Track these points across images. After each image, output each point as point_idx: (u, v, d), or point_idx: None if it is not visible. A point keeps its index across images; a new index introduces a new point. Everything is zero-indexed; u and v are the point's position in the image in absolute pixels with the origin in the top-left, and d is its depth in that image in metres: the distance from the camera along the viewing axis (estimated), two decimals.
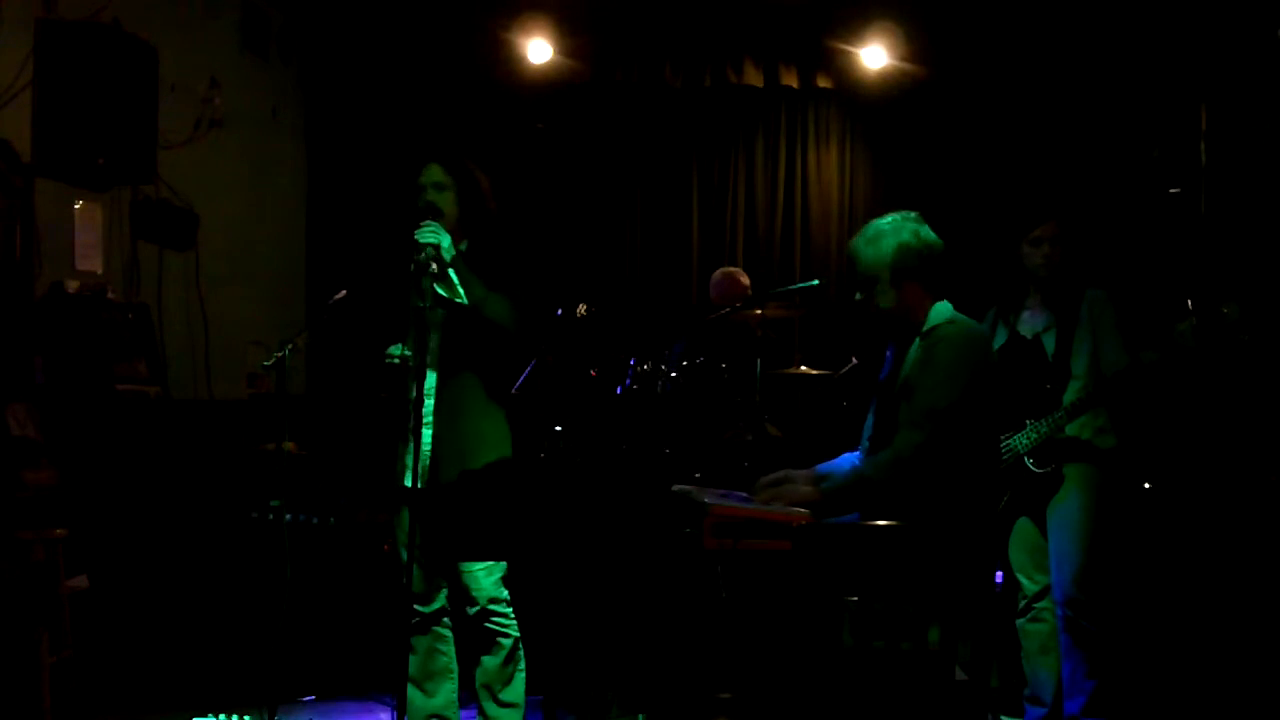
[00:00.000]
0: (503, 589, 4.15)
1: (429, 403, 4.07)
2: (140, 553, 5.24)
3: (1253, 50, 5.77)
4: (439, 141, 4.30)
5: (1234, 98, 5.94)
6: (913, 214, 3.57)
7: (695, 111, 7.38)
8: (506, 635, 4.14)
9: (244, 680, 4.89)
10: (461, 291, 3.97)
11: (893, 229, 3.50)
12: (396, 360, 4.12)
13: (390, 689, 4.88)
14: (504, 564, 4.15)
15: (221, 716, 3.63)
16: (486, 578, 4.09)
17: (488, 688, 4.15)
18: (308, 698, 5.07)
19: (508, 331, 4.04)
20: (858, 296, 3.55)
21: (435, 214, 4.04)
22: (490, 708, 4.15)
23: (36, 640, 4.44)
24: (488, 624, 4.11)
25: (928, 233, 3.51)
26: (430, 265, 3.87)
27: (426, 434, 4.06)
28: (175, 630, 5.30)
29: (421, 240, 3.91)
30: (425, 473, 4.03)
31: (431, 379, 4.09)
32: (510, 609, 4.17)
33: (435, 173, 4.14)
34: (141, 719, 4.85)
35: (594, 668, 4.28)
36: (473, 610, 4.10)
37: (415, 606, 4.11)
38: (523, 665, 4.18)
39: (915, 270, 3.47)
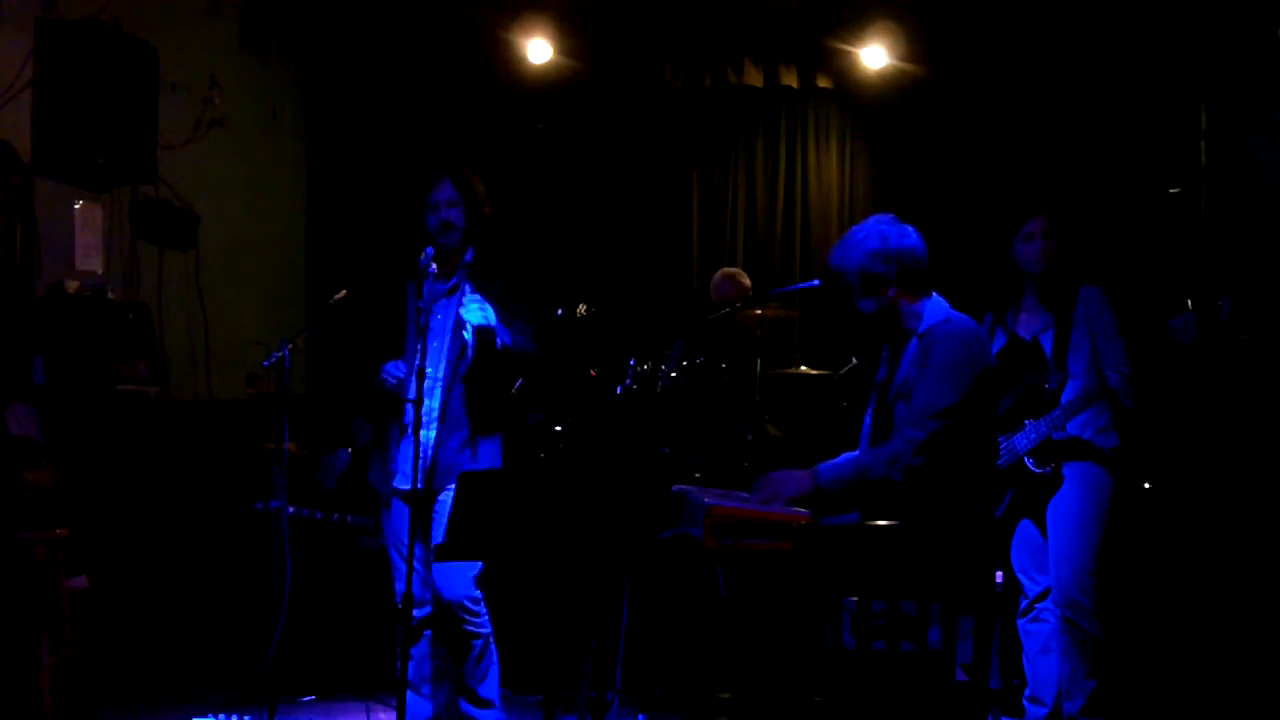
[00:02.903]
0: (475, 588, 4.16)
1: (434, 408, 4.10)
2: (140, 553, 5.24)
3: (1252, 50, 5.77)
4: (441, 151, 4.39)
5: (1234, 98, 5.94)
6: (888, 216, 3.57)
7: (695, 111, 7.38)
8: (478, 634, 4.16)
9: (244, 680, 4.90)
10: (496, 341, 4.09)
11: (863, 236, 3.51)
12: (393, 383, 4.14)
13: (391, 689, 4.89)
14: (479, 563, 4.18)
15: (221, 716, 3.64)
16: (460, 576, 4.11)
17: (462, 685, 4.17)
18: (307, 698, 5.07)
19: (530, 356, 4.19)
20: (845, 304, 3.57)
21: (451, 231, 4.17)
22: (467, 705, 4.17)
23: (36, 640, 4.44)
24: (460, 621, 4.13)
25: (901, 234, 3.50)
26: (483, 338, 4.04)
27: (430, 436, 4.09)
28: (175, 630, 5.30)
29: (471, 321, 4.04)
30: (423, 476, 4.06)
31: (438, 393, 4.13)
32: (482, 606, 4.19)
33: (447, 190, 4.23)
34: (141, 719, 4.85)
35: (594, 668, 4.28)
36: (443, 606, 4.12)
37: (409, 612, 4.11)
38: (495, 661, 4.21)
39: (891, 273, 3.47)
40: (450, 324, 4.21)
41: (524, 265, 4.32)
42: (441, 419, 4.15)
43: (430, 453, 4.12)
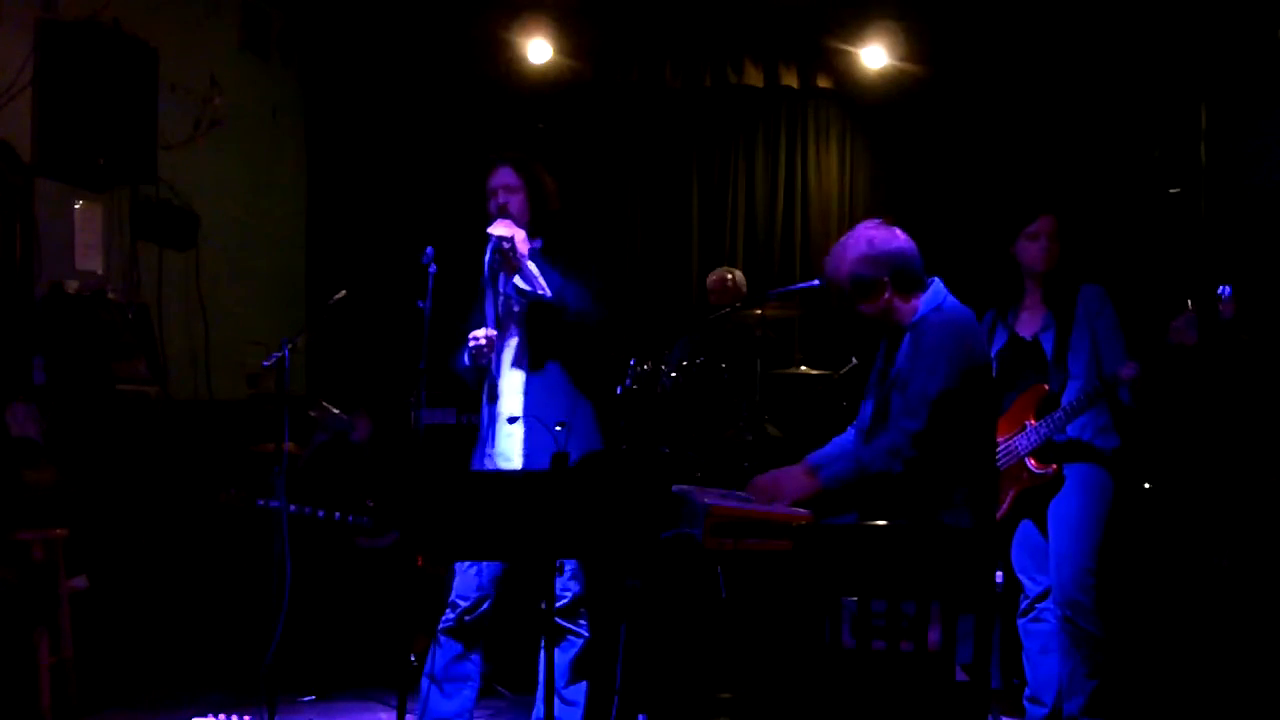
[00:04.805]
0: (579, 588, 4.15)
1: (517, 399, 4.13)
2: (140, 553, 5.25)
3: (1252, 50, 5.77)
4: (505, 143, 4.40)
5: (1234, 98, 5.93)
6: (874, 221, 3.60)
7: (695, 111, 7.38)
8: (579, 634, 4.14)
9: (244, 680, 4.89)
10: (543, 282, 4.03)
11: (853, 242, 3.54)
12: (483, 342, 4.13)
13: (391, 688, 4.89)
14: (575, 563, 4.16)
15: (222, 716, 3.63)
16: (572, 577, 4.10)
17: (553, 684, 4.10)
18: (308, 697, 5.07)
19: (588, 321, 4.13)
20: (844, 309, 3.58)
21: (505, 215, 4.14)
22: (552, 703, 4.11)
23: (35, 640, 4.44)
24: (565, 621, 4.10)
25: (889, 237, 3.52)
26: (506, 257, 4.00)
27: (519, 431, 4.11)
28: (175, 630, 5.30)
29: (496, 234, 4.02)
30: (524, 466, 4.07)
31: (519, 376, 4.12)
32: (582, 608, 4.17)
33: (506, 175, 4.22)
34: (141, 718, 4.84)
35: (596, 668, 4.28)
36: (554, 606, 4.07)
37: (459, 613, 4.09)
38: (587, 667, 4.18)
39: (884, 276, 3.49)
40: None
41: (595, 258, 4.33)
42: (529, 410, 4.17)
43: (523, 448, 4.17)
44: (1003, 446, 4.28)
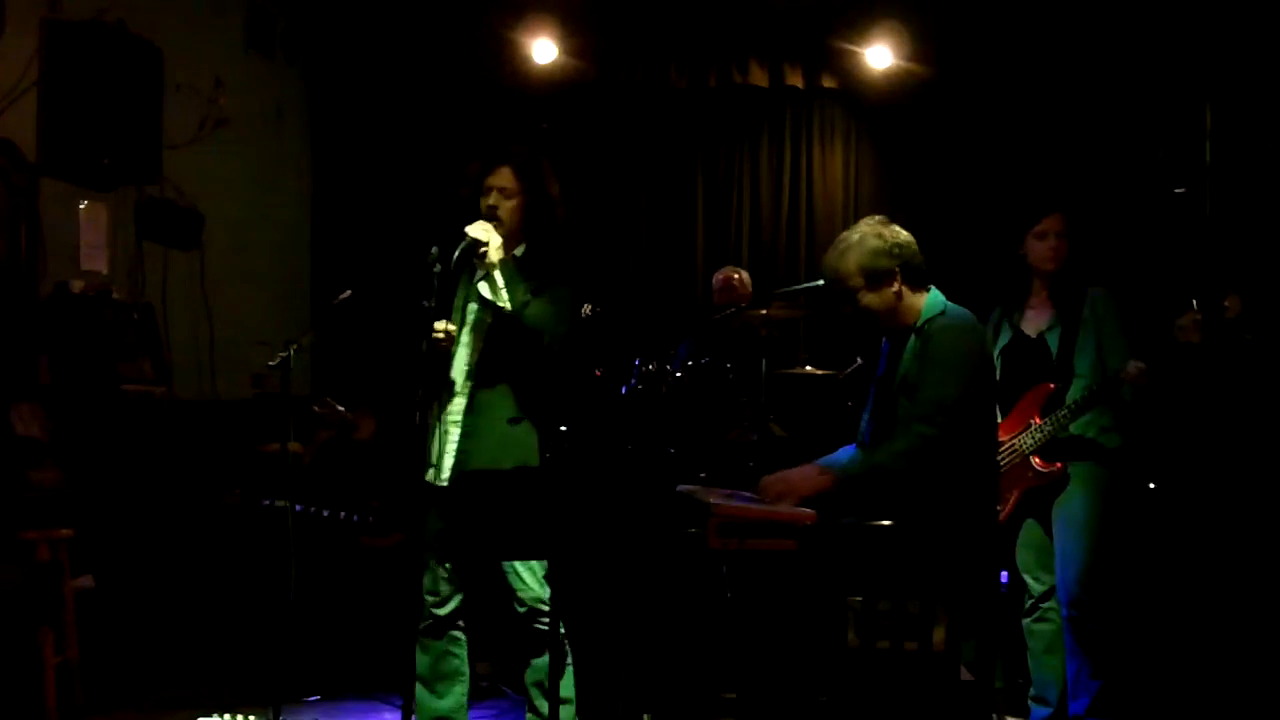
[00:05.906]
0: (546, 587, 4.13)
1: (461, 402, 4.07)
2: (145, 552, 5.25)
3: (1257, 50, 5.77)
4: (517, 141, 4.25)
5: (1239, 97, 5.93)
6: (876, 217, 3.59)
7: (700, 112, 7.38)
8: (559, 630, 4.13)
9: (249, 680, 4.90)
10: (505, 295, 3.95)
11: (859, 237, 3.53)
12: (441, 335, 4.00)
13: (396, 689, 4.89)
14: (545, 562, 4.11)
15: (227, 716, 3.64)
16: (531, 577, 4.08)
17: (539, 685, 4.10)
18: (313, 697, 5.07)
19: (544, 339, 3.99)
20: (846, 309, 3.57)
21: (493, 217, 4.01)
22: (541, 704, 4.10)
23: (41, 640, 4.44)
24: (536, 623, 4.09)
25: (894, 233, 3.52)
26: (473, 260, 3.92)
27: (455, 433, 4.06)
28: (180, 630, 5.31)
29: (471, 235, 3.91)
30: (452, 471, 4.01)
31: (467, 383, 4.08)
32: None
33: (504, 177, 4.09)
34: (146, 718, 4.85)
35: (599, 669, 4.28)
36: (521, 610, 4.06)
37: (430, 608, 4.08)
38: (570, 661, 4.16)
39: (889, 272, 3.48)
40: None
41: (579, 276, 4.22)
42: (469, 417, 4.09)
43: (457, 451, 4.11)
44: (1007, 445, 4.28)
